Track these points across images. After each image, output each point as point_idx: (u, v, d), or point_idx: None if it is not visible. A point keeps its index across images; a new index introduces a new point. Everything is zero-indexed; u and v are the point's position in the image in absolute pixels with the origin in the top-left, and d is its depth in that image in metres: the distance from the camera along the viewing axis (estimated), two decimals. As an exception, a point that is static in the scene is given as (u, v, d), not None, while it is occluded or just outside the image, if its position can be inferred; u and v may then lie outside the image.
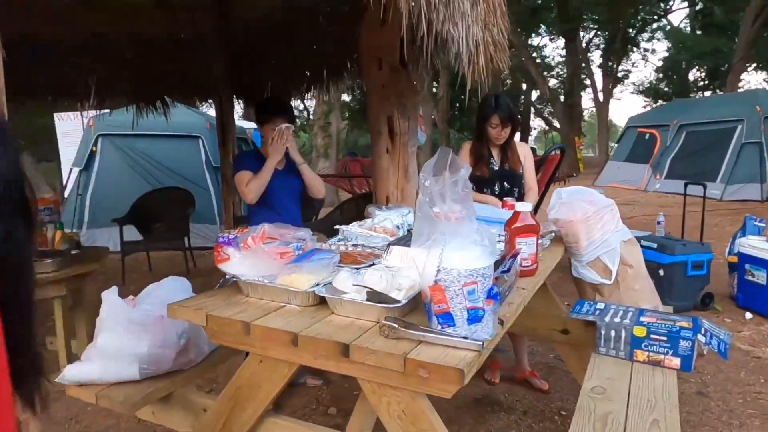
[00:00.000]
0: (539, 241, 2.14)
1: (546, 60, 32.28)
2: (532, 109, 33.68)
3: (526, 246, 1.88)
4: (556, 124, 26.70)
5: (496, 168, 2.98)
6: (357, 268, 1.66)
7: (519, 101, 33.63)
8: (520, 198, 2.96)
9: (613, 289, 2.39)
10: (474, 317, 1.33)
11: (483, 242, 1.36)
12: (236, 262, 1.59)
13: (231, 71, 5.17)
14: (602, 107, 24.74)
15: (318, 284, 1.55)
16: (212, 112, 7.35)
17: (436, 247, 1.35)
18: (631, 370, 1.97)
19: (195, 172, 7.44)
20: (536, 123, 47.16)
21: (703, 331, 2.01)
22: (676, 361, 1.97)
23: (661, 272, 4.15)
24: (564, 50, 24.42)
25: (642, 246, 4.22)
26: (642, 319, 2.11)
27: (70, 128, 9.58)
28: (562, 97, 23.57)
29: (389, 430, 1.39)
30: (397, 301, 1.44)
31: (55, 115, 9.60)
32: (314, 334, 1.38)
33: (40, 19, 4.90)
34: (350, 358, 1.33)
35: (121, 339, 1.75)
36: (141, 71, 5.55)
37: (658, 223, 4.44)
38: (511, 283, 1.72)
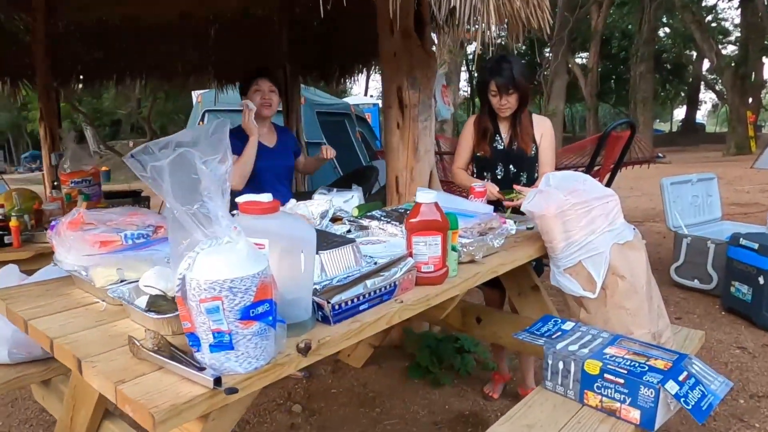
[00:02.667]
0: (487, 237, 1.71)
1: (722, 23, 28.25)
2: (703, 80, 29.85)
3: (425, 246, 1.49)
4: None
5: (501, 147, 2.49)
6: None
7: (686, 71, 29.96)
8: (530, 185, 2.45)
9: (599, 305, 1.86)
10: (219, 344, 1.02)
11: (243, 245, 1.03)
12: (59, 250, 1.43)
13: (295, 46, 5.08)
14: (787, 77, 21.06)
15: (123, 281, 1.34)
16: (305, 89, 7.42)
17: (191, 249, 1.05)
18: (570, 418, 1.49)
19: (288, 147, 7.57)
20: (708, 96, 42.00)
21: (683, 377, 1.46)
22: (635, 414, 1.45)
23: (761, 280, 3.29)
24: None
25: (741, 246, 3.41)
26: (608, 350, 1.60)
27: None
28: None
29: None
30: (172, 311, 1.18)
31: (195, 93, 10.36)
32: (66, 343, 1.17)
33: (137, 3, 5.18)
34: (83, 375, 1.10)
35: (-13, 321, 1.69)
36: (221, 50, 5.68)
37: (770, 218, 3.53)
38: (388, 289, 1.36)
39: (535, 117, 2.50)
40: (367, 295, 1.34)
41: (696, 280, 4.03)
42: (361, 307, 1.33)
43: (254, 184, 2.65)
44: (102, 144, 21.52)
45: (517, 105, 2.40)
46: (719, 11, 27.62)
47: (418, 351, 2.84)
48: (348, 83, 8.30)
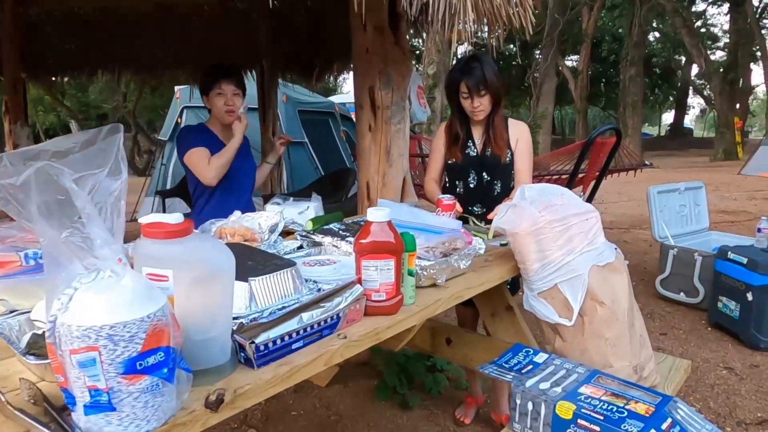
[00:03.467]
0: (452, 259, 1.53)
1: (711, 29, 28.32)
2: (691, 85, 29.92)
3: (376, 272, 1.30)
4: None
5: (474, 153, 2.30)
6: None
7: (675, 76, 30.00)
8: (505, 194, 2.27)
9: (575, 333, 1.68)
10: (95, 404, 0.82)
11: (128, 280, 0.84)
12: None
13: (274, 42, 4.87)
14: (775, 83, 21.08)
15: (14, 311, 1.13)
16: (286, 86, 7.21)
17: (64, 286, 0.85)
18: (538, 469, 1.31)
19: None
20: (696, 101, 42.18)
21: (666, 425, 1.28)
22: (612, 467, 1.27)
23: (750, 296, 3.14)
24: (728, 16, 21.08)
25: (728, 260, 3.26)
26: (583, 389, 1.42)
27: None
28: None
29: None
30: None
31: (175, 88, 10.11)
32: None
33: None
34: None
35: None
36: (199, 43, 5.45)
37: (759, 230, 3.37)
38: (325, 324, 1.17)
39: (511, 121, 2.32)
40: (301, 332, 1.14)
41: (682, 293, 3.88)
42: (295, 346, 1.13)
43: (231, 186, 2.46)
44: (86, 138, 21.09)
45: (491, 107, 2.22)
46: (708, 17, 27.73)
47: (385, 369, 2.65)
48: (335, 81, 8.11)
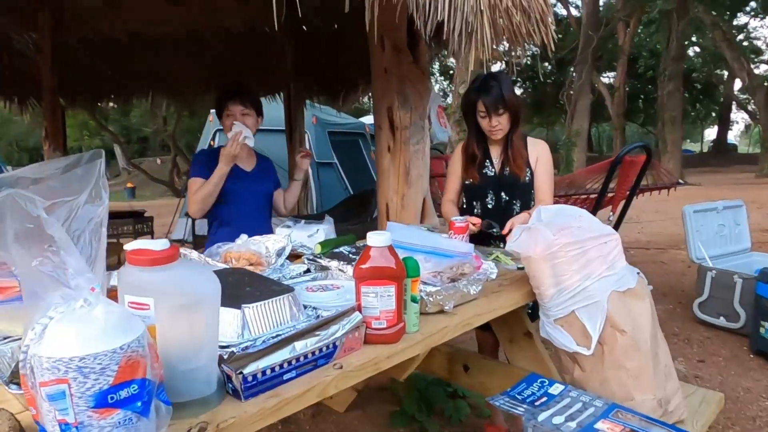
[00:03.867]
0: (460, 284, 1.47)
1: (754, 42, 27.50)
2: (734, 100, 29.06)
3: (376, 298, 1.25)
4: None
5: (492, 173, 2.24)
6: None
7: (717, 91, 29.18)
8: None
9: (595, 363, 1.58)
10: (65, 438, 0.80)
11: (101, 310, 0.81)
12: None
13: (301, 64, 4.92)
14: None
15: (7, 337, 1.13)
16: (317, 109, 7.29)
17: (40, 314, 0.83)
18: None
19: (299, 166, 7.42)
20: (740, 116, 40.92)
21: (689, 467, 1.18)
22: None
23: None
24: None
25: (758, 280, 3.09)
26: (599, 425, 1.33)
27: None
28: None
29: None
30: None
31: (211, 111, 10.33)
32: None
33: (142, 19, 5.14)
34: None
35: None
36: (228, 67, 5.57)
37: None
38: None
39: (530, 139, 2.26)
40: (294, 361, 1.10)
41: (722, 318, 3.68)
42: (286, 376, 1.09)
43: (226, 208, 2.44)
44: (129, 161, 21.77)
45: (509, 126, 2.16)
46: (751, 30, 26.93)
47: (404, 395, 2.58)
48: (360, 101, 8.15)
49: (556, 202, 3.57)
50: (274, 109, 6.57)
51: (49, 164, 0.87)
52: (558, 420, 1.36)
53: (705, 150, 41.52)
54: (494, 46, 2.41)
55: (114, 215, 5.63)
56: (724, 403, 1.81)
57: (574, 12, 23.49)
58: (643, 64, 22.94)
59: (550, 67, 30.47)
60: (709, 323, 3.77)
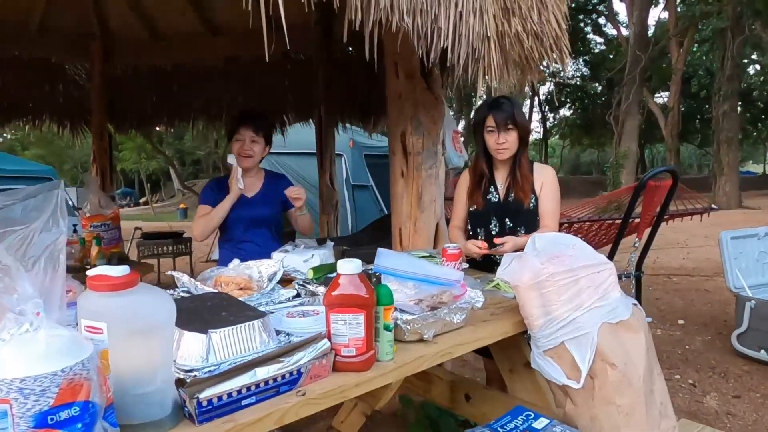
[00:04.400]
0: (441, 312, 1.46)
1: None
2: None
3: (344, 326, 1.25)
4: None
5: (496, 199, 2.21)
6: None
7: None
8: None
9: (586, 397, 1.53)
10: (6, 458, 0.83)
11: (43, 335, 0.85)
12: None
13: (332, 88, 5.02)
14: None
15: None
16: (355, 132, 7.40)
17: None
18: None
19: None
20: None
21: None
22: None
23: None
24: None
25: None
26: (578, 463, 1.28)
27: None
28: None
29: None
30: None
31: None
32: None
33: (184, 49, 5.43)
34: None
35: None
36: (263, 93, 5.74)
37: None
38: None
39: (537, 165, 2.23)
40: (254, 387, 1.12)
41: (763, 351, 3.48)
42: (245, 402, 1.11)
43: (226, 235, 2.53)
44: (182, 183, 22.60)
45: (517, 147, 2.14)
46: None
47: (412, 424, 2.54)
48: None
49: (579, 227, 3.50)
50: (308, 133, 6.73)
51: (8, 194, 0.93)
52: (535, 456, 1.32)
53: (768, 172, 39.61)
54: (505, 73, 2.42)
55: (153, 236, 5.84)
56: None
57: (624, 31, 23.04)
58: (698, 84, 22.20)
59: (600, 87, 29.95)
60: (748, 357, 3.57)
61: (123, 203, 33.36)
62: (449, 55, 2.18)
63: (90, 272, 1.02)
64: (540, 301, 1.55)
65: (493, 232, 2.20)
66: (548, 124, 35.04)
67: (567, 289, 1.54)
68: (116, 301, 0.98)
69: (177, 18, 5.10)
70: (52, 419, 0.84)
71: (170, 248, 5.64)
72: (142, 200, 33.96)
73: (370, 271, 1.59)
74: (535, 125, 36.56)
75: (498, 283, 1.93)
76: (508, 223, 2.18)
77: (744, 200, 17.02)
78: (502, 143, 2.13)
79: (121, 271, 1.01)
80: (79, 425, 0.87)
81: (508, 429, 1.46)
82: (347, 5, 1.93)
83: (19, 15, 4.72)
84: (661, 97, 27.37)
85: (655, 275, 6.20)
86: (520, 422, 1.48)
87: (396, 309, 1.42)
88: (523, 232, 2.17)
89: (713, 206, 3.78)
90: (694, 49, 22.73)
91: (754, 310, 3.51)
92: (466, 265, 2.11)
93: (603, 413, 1.49)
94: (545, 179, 2.19)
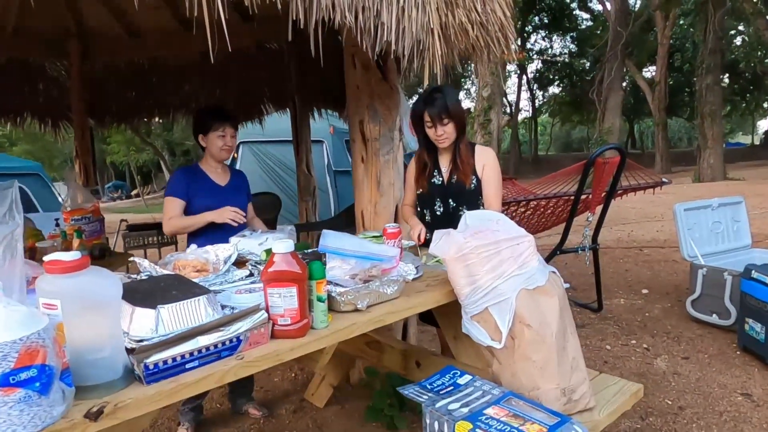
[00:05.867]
0: (372, 285, 1.64)
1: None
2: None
3: (279, 298, 1.43)
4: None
5: (440, 182, 2.39)
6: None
7: (766, 81, 27.98)
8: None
9: (508, 356, 1.71)
10: (-28, 411, 1.01)
11: (3, 309, 1.02)
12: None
13: (305, 77, 5.15)
14: None
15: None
16: (335, 118, 7.53)
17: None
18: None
19: (318, 175, 7.64)
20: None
21: (554, 446, 1.31)
22: (500, 486, 1.32)
23: (773, 319, 2.96)
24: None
25: (753, 279, 3.11)
26: (488, 410, 1.47)
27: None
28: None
29: None
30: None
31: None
32: None
33: (160, 45, 5.53)
34: None
35: None
36: (239, 84, 5.86)
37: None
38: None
39: (478, 147, 2.39)
40: (196, 353, 1.29)
41: (714, 315, 3.69)
42: (189, 365, 1.28)
43: (216, 225, 2.66)
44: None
45: (455, 134, 2.31)
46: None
47: (376, 392, 2.74)
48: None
49: (537, 205, 3.68)
50: (284, 121, 6.86)
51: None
52: (454, 406, 1.51)
53: (757, 143, 39.87)
54: (448, 60, 2.57)
55: (139, 227, 5.98)
56: (642, 393, 1.90)
57: (609, 6, 23.09)
58: (682, 57, 22.26)
59: (588, 64, 29.99)
60: (702, 321, 3.78)
61: (114, 196, 33.36)
62: (392, 47, 2.33)
63: (46, 257, 1.19)
64: (465, 271, 1.72)
65: (438, 213, 2.37)
66: (537, 102, 35.08)
67: (489, 260, 1.71)
68: (68, 281, 1.15)
69: (151, 14, 5.20)
70: (13, 379, 1.01)
71: (155, 239, 5.79)
72: (133, 192, 33.97)
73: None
74: (525, 104, 36.62)
75: (440, 259, 2.11)
76: (452, 203, 2.35)
77: (730, 172, 17.25)
78: (441, 135, 2.29)
79: (72, 256, 1.18)
80: (37, 384, 1.04)
81: (436, 385, 1.64)
82: (290, 7, 2.08)
83: (-7, 17, 4.81)
84: (649, 72, 27.44)
85: (628, 248, 6.42)
86: (447, 379, 1.67)
87: (330, 283, 1.60)
88: (465, 210, 2.34)
89: (664, 180, 3.96)
90: (681, 22, 22.78)
91: (706, 277, 3.71)
92: (411, 243, 2.29)
93: (521, 369, 1.68)
94: (486, 161, 2.36)
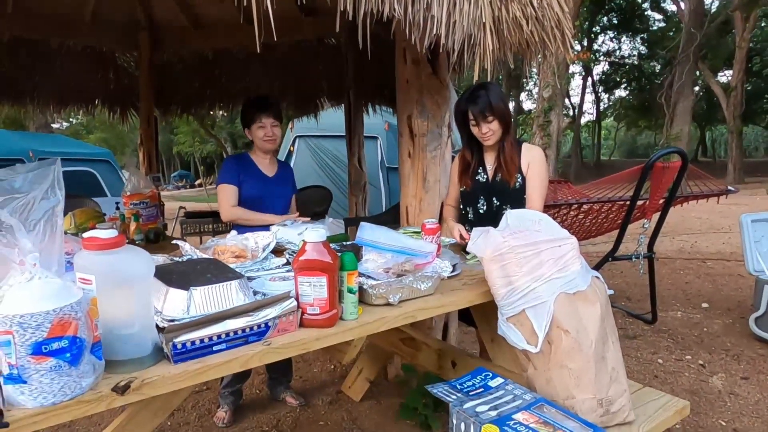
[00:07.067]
0: (405, 279, 1.62)
1: None
2: None
3: (309, 287, 1.43)
4: None
5: (484, 180, 2.33)
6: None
7: None
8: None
9: (543, 361, 1.65)
10: (10, 376, 1.06)
11: (37, 281, 1.06)
12: None
13: (360, 73, 5.17)
14: None
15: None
16: (390, 115, 7.54)
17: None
18: (455, 488, 1.34)
19: (370, 170, 7.66)
20: None
21: (582, 458, 1.25)
22: (523, 494, 1.27)
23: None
24: None
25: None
26: (518, 416, 1.42)
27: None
28: None
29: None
30: None
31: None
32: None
33: (223, 37, 5.69)
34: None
35: None
36: (299, 77, 5.95)
37: None
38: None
39: (525, 146, 2.32)
40: (224, 335, 1.31)
41: (780, 335, 3.45)
42: (216, 348, 1.30)
43: (250, 209, 2.71)
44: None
45: (501, 132, 2.25)
46: None
47: (410, 390, 2.71)
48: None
49: (590, 209, 3.54)
50: (339, 116, 6.93)
51: (12, 169, 1.14)
52: (482, 408, 1.46)
53: None
54: (500, 57, 2.51)
55: (196, 215, 6.18)
56: (689, 410, 1.78)
57: (684, 7, 22.05)
58: (760, 61, 20.99)
59: (659, 67, 28.77)
60: (766, 340, 3.54)
61: (179, 185, 34.64)
62: (442, 42, 2.29)
63: (84, 234, 1.23)
64: (502, 271, 1.67)
65: (481, 211, 2.32)
66: (602, 105, 33.97)
67: (528, 261, 1.65)
68: (103, 258, 1.18)
69: (216, 7, 5.34)
70: (45, 348, 1.05)
71: (210, 226, 5.98)
72: (197, 182, 35.21)
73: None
74: (588, 106, 35.53)
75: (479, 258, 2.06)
76: (495, 201, 2.30)
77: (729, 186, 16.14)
78: (486, 132, 2.24)
79: (108, 233, 1.22)
80: (68, 355, 1.08)
81: (466, 386, 1.60)
82: (338, -1, 2.08)
83: (73, 7, 5.06)
84: (725, 76, 26.03)
85: (690, 259, 6.10)
86: (478, 381, 1.63)
87: (363, 275, 1.59)
88: (509, 209, 2.28)
89: (729, 188, 3.72)
90: (762, 24, 21.48)
91: (773, 293, 3.48)
92: (452, 240, 2.25)
93: (556, 375, 1.62)
94: (532, 159, 2.29)
